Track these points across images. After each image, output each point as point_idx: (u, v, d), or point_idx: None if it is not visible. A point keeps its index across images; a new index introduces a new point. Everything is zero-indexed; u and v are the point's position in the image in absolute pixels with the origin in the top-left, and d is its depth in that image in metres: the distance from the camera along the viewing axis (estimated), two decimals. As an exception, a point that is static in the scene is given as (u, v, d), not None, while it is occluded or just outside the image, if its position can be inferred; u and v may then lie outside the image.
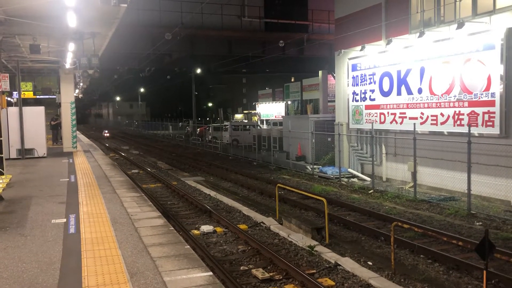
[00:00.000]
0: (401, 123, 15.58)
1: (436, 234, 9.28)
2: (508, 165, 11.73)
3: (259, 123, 40.38)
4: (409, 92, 15.15)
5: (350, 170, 18.14)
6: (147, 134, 58.56)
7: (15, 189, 11.81)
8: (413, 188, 14.11)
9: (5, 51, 17.14)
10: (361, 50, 17.10)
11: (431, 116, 14.31)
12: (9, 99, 24.93)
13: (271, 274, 7.56)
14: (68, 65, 20.05)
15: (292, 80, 47.66)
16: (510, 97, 12.00)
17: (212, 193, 14.78)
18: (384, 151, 16.79)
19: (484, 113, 12.58)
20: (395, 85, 15.83)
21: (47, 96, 26.71)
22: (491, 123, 12.37)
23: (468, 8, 13.28)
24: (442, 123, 13.93)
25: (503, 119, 12.08)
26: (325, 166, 19.18)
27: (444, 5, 14.26)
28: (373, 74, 16.88)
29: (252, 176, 18.88)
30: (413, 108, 15.00)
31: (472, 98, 12.93)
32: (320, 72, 28.65)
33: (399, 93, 15.65)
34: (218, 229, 10.42)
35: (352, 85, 18.19)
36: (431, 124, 14.31)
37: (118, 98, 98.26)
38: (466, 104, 13.12)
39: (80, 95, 43.88)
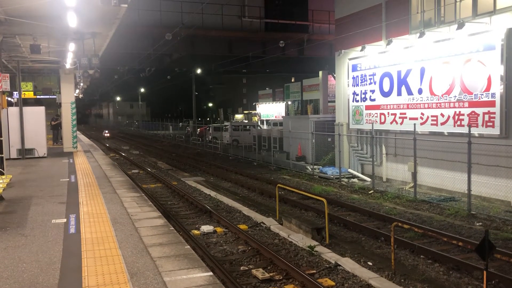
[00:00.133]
0: (401, 123, 15.58)
1: (436, 234, 9.28)
2: (508, 166, 11.73)
3: (259, 124, 40.38)
4: (409, 92, 15.15)
5: (350, 170, 18.14)
6: (148, 134, 58.57)
7: (16, 189, 11.81)
8: (413, 188, 14.11)
9: (5, 51, 17.15)
10: (361, 50, 17.11)
11: (431, 116, 14.31)
12: (9, 99, 24.93)
13: (271, 274, 7.56)
14: (68, 65, 20.06)
15: (292, 80, 47.64)
16: (510, 98, 12.00)
17: (212, 193, 14.79)
18: (384, 151, 16.79)
19: (484, 113, 12.58)
20: (395, 85, 15.83)
21: (48, 96, 26.71)
22: (491, 124, 12.37)
23: (468, 8, 13.29)
24: (442, 124, 13.93)
25: (503, 119, 12.08)
26: (325, 166, 19.19)
27: (444, 5, 14.26)
28: (373, 75, 16.88)
29: (252, 176, 18.88)
30: (413, 108, 15.00)
31: (472, 98, 12.94)
32: (320, 73, 28.67)
33: (399, 94, 15.65)
34: (218, 229, 10.43)
35: (353, 85, 18.19)
36: (431, 124, 14.31)
37: (118, 98, 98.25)
38: (466, 104, 13.12)
39: (81, 95, 43.85)
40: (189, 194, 14.54)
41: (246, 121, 43.97)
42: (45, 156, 19.58)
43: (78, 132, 31.23)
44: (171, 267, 5.89)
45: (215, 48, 29.30)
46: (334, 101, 21.99)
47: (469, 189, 11.83)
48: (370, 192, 14.86)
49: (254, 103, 52.43)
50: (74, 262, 6.09)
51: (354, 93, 18.09)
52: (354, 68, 18.03)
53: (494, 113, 12.29)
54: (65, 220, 8.39)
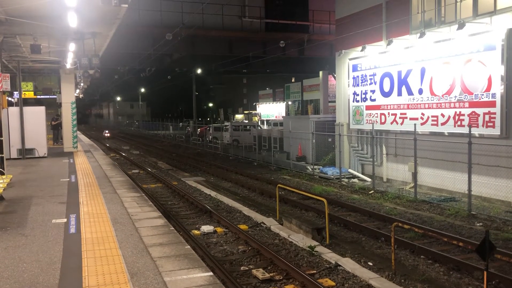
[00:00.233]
0: (401, 123, 15.58)
1: (436, 234, 9.28)
2: (508, 166, 11.72)
3: (259, 124, 40.38)
4: (410, 92, 15.15)
5: (350, 170, 18.14)
6: (148, 134, 58.59)
7: (16, 189, 11.82)
8: (413, 188, 14.10)
9: (6, 51, 17.16)
10: (361, 50, 17.10)
11: (432, 116, 14.30)
12: (10, 99, 24.94)
13: (272, 274, 7.56)
14: (68, 65, 20.06)
15: (293, 80, 47.65)
16: (511, 98, 11.99)
17: (213, 193, 14.79)
18: (384, 151, 16.78)
19: (484, 113, 12.57)
20: (395, 85, 15.83)
21: (48, 96, 26.72)
22: (491, 124, 12.37)
23: (469, 8, 13.28)
24: (442, 124, 13.93)
25: (503, 119, 12.07)
26: (325, 166, 19.19)
27: (444, 5, 14.26)
28: (374, 75, 16.88)
29: (253, 177, 18.87)
30: (414, 108, 14.99)
31: (472, 98, 12.93)
32: (320, 73, 28.67)
33: (399, 94, 15.65)
34: (219, 229, 10.43)
35: (353, 85, 18.19)
36: (432, 124, 14.30)
37: (118, 98, 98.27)
38: (466, 104, 13.12)
39: (81, 95, 43.86)
40: (189, 194, 14.54)
41: (247, 121, 43.99)
42: (45, 156, 19.59)
43: (78, 132, 31.23)
44: (171, 267, 5.89)
45: (215, 48, 29.31)
46: (334, 101, 21.98)
47: (469, 190, 11.82)
48: (370, 192, 14.86)
49: (254, 103, 52.45)
50: (75, 262, 6.09)
51: (355, 93, 18.09)
52: (355, 68, 18.03)
53: (494, 113, 12.29)
54: (65, 220, 8.39)
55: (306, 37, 28.00)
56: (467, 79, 13.06)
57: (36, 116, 19.58)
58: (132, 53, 28.75)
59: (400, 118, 15.65)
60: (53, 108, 28.68)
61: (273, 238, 9.83)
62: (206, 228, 10.36)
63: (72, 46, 15.80)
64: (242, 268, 7.97)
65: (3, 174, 12.58)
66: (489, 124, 12.45)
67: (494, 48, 12.20)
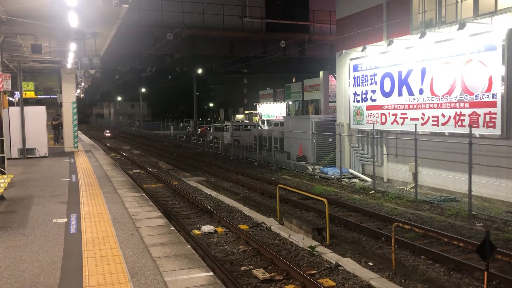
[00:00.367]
0: (402, 123, 15.57)
1: (437, 235, 9.28)
2: (509, 166, 11.71)
3: (260, 124, 40.38)
4: (410, 92, 15.15)
5: (351, 170, 18.14)
6: (148, 134, 58.61)
7: (17, 188, 11.83)
8: (414, 188, 14.10)
9: (6, 51, 17.18)
10: (362, 50, 17.10)
11: (432, 116, 14.30)
12: (10, 99, 24.96)
13: (272, 274, 7.56)
14: (69, 65, 20.08)
15: (293, 80, 47.64)
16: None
17: (213, 193, 14.79)
18: (385, 151, 16.78)
19: (485, 114, 12.57)
20: (396, 85, 15.83)
21: (49, 96, 26.74)
22: (492, 124, 12.37)
23: (469, 9, 13.27)
24: (443, 124, 13.92)
25: (504, 120, 12.07)
26: (326, 166, 19.19)
27: (445, 6, 14.25)
28: (374, 75, 16.88)
29: (253, 177, 18.88)
30: (414, 108, 14.99)
31: (473, 99, 12.93)
32: (321, 73, 28.66)
33: (400, 94, 15.64)
34: (219, 229, 10.43)
35: (353, 85, 18.19)
36: (432, 125, 14.30)
37: (119, 98, 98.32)
38: (467, 105, 13.11)
39: (82, 95, 43.90)
40: (190, 194, 14.55)
41: (247, 121, 43.98)
42: (46, 156, 19.60)
43: (79, 132, 31.26)
44: (172, 267, 5.90)
45: (216, 48, 29.33)
46: (335, 101, 21.98)
47: (470, 190, 11.82)
48: (371, 193, 14.86)
49: (255, 103, 52.46)
50: (75, 261, 6.09)
51: (355, 93, 18.09)
52: (355, 68, 18.03)
53: (495, 113, 12.28)
54: (66, 219, 8.40)
55: (307, 37, 28.01)
56: (468, 79, 13.06)
57: (37, 116, 19.59)
58: (132, 53, 28.78)
59: (400, 118, 15.65)
60: (54, 108, 28.69)
61: (274, 238, 9.84)
62: (207, 228, 10.37)
63: (73, 46, 15.82)
64: (242, 268, 7.98)
65: (4, 173, 12.59)
66: (489, 124, 12.45)
67: (494, 48, 12.20)
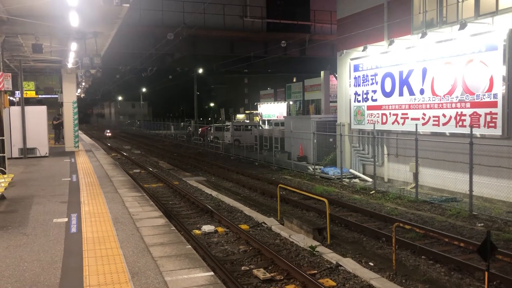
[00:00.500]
0: (403, 123, 15.56)
1: (437, 235, 9.28)
2: (510, 166, 11.71)
3: (260, 123, 40.38)
4: (411, 92, 15.13)
5: (351, 170, 18.13)
6: (149, 134, 58.63)
7: (17, 188, 11.83)
8: (414, 189, 14.09)
9: (7, 50, 17.19)
10: (363, 50, 17.09)
11: (433, 117, 14.29)
12: (11, 98, 24.98)
13: (272, 274, 7.56)
14: (70, 64, 20.09)
15: (294, 80, 47.64)
16: (513, 98, 11.98)
17: (214, 193, 14.79)
18: (386, 151, 16.77)
19: (486, 114, 12.56)
20: (397, 85, 15.82)
21: (49, 96, 26.76)
22: (493, 124, 12.35)
23: (470, 9, 13.26)
24: (444, 124, 13.91)
25: (505, 120, 12.06)
26: (326, 166, 19.18)
27: (446, 5, 14.24)
28: (375, 75, 16.87)
29: (254, 176, 18.88)
30: (415, 108, 14.98)
31: (474, 99, 12.91)
32: (322, 73, 28.66)
33: (401, 94, 15.63)
34: (220, 229, 10.43)
35: (354, 85, 18.18)
36: (433, 125, 14.29)
37: (120, 98, 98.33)
38: (468, 105, 13.10)
39: (82, 95, 43.94)
40: (190, 194, 14.55)
41: (248, 121, 43.98)
42: (46, 156, 19.60)
43: (79, 131, 31.27)
44: (172, 267, 5.89)
45: (217, 48, 29.34)
46: (335, 101, 21.98)
47: (470, 190, 11.81)
48: (371, 193, 14.85)
49: (255, 103, 52.46)
50: (76, 261, 6.09)
51: (356, 93, 18.08)
52: (356, 68, 18.02)
53: (496, 113, 12.27)
54: (66, 219, 8.40)
55: (308, 37, 28.01)
56: (469, 79, 13.04)
57: (38, 115, 19.58)
58: (133, 52, 28.80)
59: (401, 118, 15.64)
60: (55, 108, 28.71)
61: (274, 238, 9.83)
62: (207, 228, 10.36)
63: (73, 46, 15.83)
64: (243, 268, 7.97)
65: (4, 173, 12.59)
66: (490, 124, 12.43)
67: (496, 48, 12.18)
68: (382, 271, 7.79)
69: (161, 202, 13.46)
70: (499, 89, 12.16)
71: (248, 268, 7.92)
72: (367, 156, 17.68)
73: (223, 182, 18.20)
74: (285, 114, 39.00)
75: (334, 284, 7.19)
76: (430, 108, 14.40)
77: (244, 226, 10.67)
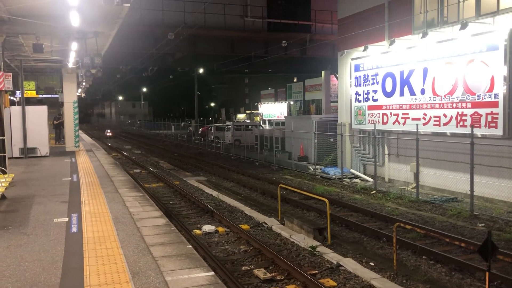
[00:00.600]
0: (403, 123, 15.55)
1: (438, 235, 9.27)
2: (511, 166, 11.69)
3: (261, 123, 40.37)
4: (412, 92, 15.12)
5: (352, 170, 18.12)
6: (150, 133, 58.63)
7: (18, 188, 11.83)
8: (415, 189, 14.08)
9: (8, 50, 17.20)
10: (364, 50, 17.08)
11: (434, 117, 14.28)
12: (12, 98, 24.98)
13: (273, 274, 7.55)
14: (71, 64, 20.09)
15: (295, 80, 47.62)
16: (514, 98, 11.96)
17: (214, 193, 14.78)
18: (386, 151, 16.76)
19: (487, 114, 12.54)
20: (398, 85, 15.80)
21: (50, 96, 26.76)
22: (494, 124, 12.34)
23: (471, 8, 13.25)
24: (445, 124, 13.90)
25: (506, 120, 12.04)
26: (327, 166, 19.17)
27: (447, 5, 14.23)
28: (376, 75, 16.86)
29: (254, 176, 18.87)
30: (416, 108, 14.97)
31: (475, 99, 12.90)
32: (322, 73, 28.65)
33: (402, 94, 15.62)
34: (220, 229, 10.42)
35: (355, 85, 18.17)
36: (434, 125, 14.28)
37: (120, 98, 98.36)
38: (469, 105, 13.09)
39: (83, 95, 43.95)
40: (191, 193, 14.55)
41: (248, 121, 43.98)
42: (47, 155, 19.61)
43: (80, 131, 31.28)
44: (173, 267, 5.89)
45: (217, 48, 29.34)
46: (336, 101, 21.97)
47: (471, 190, 11.79)
48: (372, 193, 14.84)
49: (256, 103, 52.44)
50: (76, 261, 6.09)
51: (357, 93, 18.07)
52: (357, 68, 18.01)
53: (497, 113, 12.26)
54: (67, 219, 8.40)
55: (308, 37, 28.01)
56: (470, 79, 13.03)
57: (38, 115, 19.58)
58: (134, 52, 28.80)
59: (402, 118, 15.63)
60: (55, 108, 28.72)
61: (275, 238, 9.83)
62: (208, 228, 10.36)
63: (74, 46, 15.82)
64: (243, 268, 7.97)
65: (5, 173, 12.59)
66: (491, 124, 12.42)
67: (497, 48, 12.17)
68: (382, 271, 7.78)
69: (161, 202, 13.46)
70: (500, 89, 12.14)
71: (248, 268, 7.92)
72: (368, 156, 17.67)
73: (223, 182, 18.19)
74: (285, 114, 38.98)
75: (335, 284, 7.18)
76: (431, 108, 14.39)
77: (244, 226, 10.66)
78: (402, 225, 8.71)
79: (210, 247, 9.17)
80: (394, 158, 16.45)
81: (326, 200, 9.93)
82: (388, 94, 16.32)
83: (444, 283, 7.41)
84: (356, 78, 18.09)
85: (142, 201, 10.20)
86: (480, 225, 10.69)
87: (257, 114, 47.80)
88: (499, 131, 12.20)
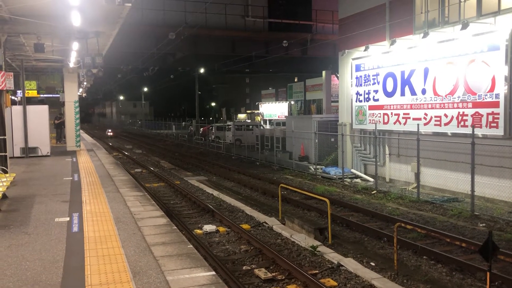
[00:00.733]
0: (404, 123, 15.55)
1: (439, 235, 9.27)
2: (512, 167, 11.69)
3: (262, 123, 40.38)
4: (413, 92, 15.12)
5: (353, 170, 18.12)
6: (151, 133, 58.65)
7: (19, 187, 11.85)
8: (416, 189, 14.07)
9: (9, 50, 17.20)
10: (365, 50, 17.08)
11: (435, 117, 14.27)
12: (13, 98, 24.99)
13: (274, 274, 7.56)
14: (72, 64, 20.09)
15: (296, 80, 47.61)
16: (515, 98, 11.95)
17: (215, 193, 14.79)
18: (387, 151, 16.76)
19: (488, 114, 12.54)
20: (398, 85, 15.80)
21: (51, 95, 26.77)
22: (495, 124, 12.33)
23: (472, 8, 13.25)
24: (445, 124, 13.89)
25: (507, 120, 12.04)
26: (328, 166, 19.17)
27: (448, 5, 14.23)
28: (377, 75, 16.86)
29: (255, 176, 18.88)
30: (417, 108, 14.96)
31: (476, 99, 12.89)
32: (323, 72, 28.65)
33: (402, 94, 15.62)
34: (221, 229, 10.43)
35: (356, 85, 18.16)
36: (435, 125, 14.27)
37: (121, 97, 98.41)
38: (470, 105, 13.08)
39: (84, 94, 43.98)
40: (191, 193, 14.56)
41: (249, 121, 43.98)
42: (48, 155, 19.62)
43: (81, 131, 31.31)
44: (174, 266, 5.90)
45: (218, 48, 29.36)
46: (337, 101, 21.98)
47: (472, 190, 11.79)
48: (373, 193, 14.84)
49: (257, 103, 52.43)
50: (77, 260, 6.10)
51: (358, 93, 18.07)
52: (358, 68, 18.01)
53: (498, 113, 12.25)
54: (68, 218, 8.41)
55: (309, 37, 28.02)
56: (471, 79, 13.02)
57: (39, 115, 19.59)
58: (135, 52, 28.83)
59: (403, 118, 15.62)
60: (56, 107, 28.72)
61: (275, 237, 9.83)
62: (209, 228, 10.37)
63: (75, 45, 15.83)
64: (244, 267, 7.98)
65: (6, 172, 12.61)
66: (492, 124, 12.41)
67: (498, 48, 12.16)
68: (383, 271, 7.78)
69: (162, 201, 13.47)
70: (501, 89, 12.13)
71: (249, 268, 7.93)
72: (369, 156, 17.67)
73: (224, 182, 18.20)
74: (286, 114, 38.98)
75: (336, 284, 7.18)
76: (432, 108, 14.38)
77: (245, 226, 10.67)
78: (403, 225, 8.71)
79: (211, 246, 9.18)
80: (395, 158, 16.45)
81: (327, 200, 9.93)
82: (389, 94, 16.31)
83: (444, 283, 7.41)
84: (357, 78, 18.09)
85: (143, 200, 10.21)
86: (481, 225, 10.68)
87: (258, 114, 47.80)
88: (500, 131, 12.20)
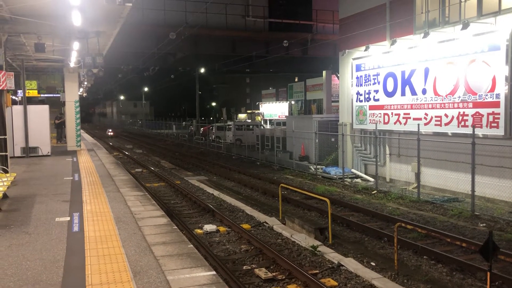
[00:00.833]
0: (405, 123, 15.54)
1: (439, 235, 9.27)
2: (512, 167, 11.69)
3: (262, 123, 40.38)
4: (413, 92, 15.12)
5: (353, 170, 18.12)
6: (151, 133, 58.67)
7: (20, 187, 11.86)
8: (416, 189, 14.07)
9: (10, 49, 17.20)
10: (365, 50, 17.08)
11: (435, 116, 14.27)
12: (13, 97, 25.01)
13: (274, 274, 7.56)
14: (72, 64, 20.09)
15: (296, 80, 47.63)
16: (515, 98, 11.95)
17: (215, 193, 14.80)
18: (387, 151, 16.76)
19: (488, 114, 12.53)
20: (399, 85, 15.80)
21: (52, 95, 26.78)
22: (495, 124, 12.33)
23: (473, 8, 13.24)
24: (446, 124, 13.89)
25: (507, 120, 12.03)
26: (328, 166, 19.17)
27: (449, 5, 14.22)
28: (377, 75, 16.86)
29: (255, 176, 18.88)
30: (417, 108, 14.96)
31: (476, 99, 12.89)
32: (324, 72, 28.66)
33: (403, 94, 15.62)
34: (221, 229, 10.43)
35: (356, 85, 18.16)
36: (435, 125, 14.27)
37: (122, 97, 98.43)
38: (470, 105, 13.08)
39: (84, 94, 43.98)
40: (192, 193, 14.56)
41: (249, 121, 43.99)
42: (49, 155, 19.63)
43: (82, 130, 31.32)
44: (174, 266, 5.90)
45: (218, 48, 29.35)
46: (337, 101, 21.98)
47: (472, 190, 11.79)
48: (373, 193, 14.84)
49: (257, 103, 52.46)
50: (78, 260, 6.10)
51: (358, 93, 18.07)
52: (358, 68, 18.01)
53: (498, 113, 12.25)
54: (68, 218, 8.42)
55: (310, 37, 28.01)
56: (471, 79, 13.02)
57: (40, 114, 19.60)
58: (135, 52, 28.84)
59: (403, 118, 15.62)
60: (57, 107, 28.73)
61: (276, 237, 9.84)
62: (209, 227, 10.37)
63: (76, 45, 15.83)
64: (244, 267, 7.98)
65: (7, 172, 12.61)
66: (493, 124, 12.41)
67: (498, 48, 12.16)
68: (384, 271, 7.79)
69: (163, 201, 13.48)
70: (502, 89, 12.13)
71: (249, 268, 7.93)
72: (369, 156, 17.67)
73: (224, 182, 18.21)
74: (286, 114, 38.99)
75: (336, 284, 7.19)
76: (432, 108, 14.38)
77: (245, 226, 10.67)
78: (403, 225, 8.71)
79: (211, 246, 9.19)
80: (395, 158, 16.45)
81: (327, 200, 9.93)
82: (389, 94, 16.31)
83: (445, 283, 7.41)
84: (357, 78, 18.09)
85: (143, 200, 10.22)
86: (481, 225, 10.68)
87: (258, 114, 47.82)
88: (500, 131, 12.19)
